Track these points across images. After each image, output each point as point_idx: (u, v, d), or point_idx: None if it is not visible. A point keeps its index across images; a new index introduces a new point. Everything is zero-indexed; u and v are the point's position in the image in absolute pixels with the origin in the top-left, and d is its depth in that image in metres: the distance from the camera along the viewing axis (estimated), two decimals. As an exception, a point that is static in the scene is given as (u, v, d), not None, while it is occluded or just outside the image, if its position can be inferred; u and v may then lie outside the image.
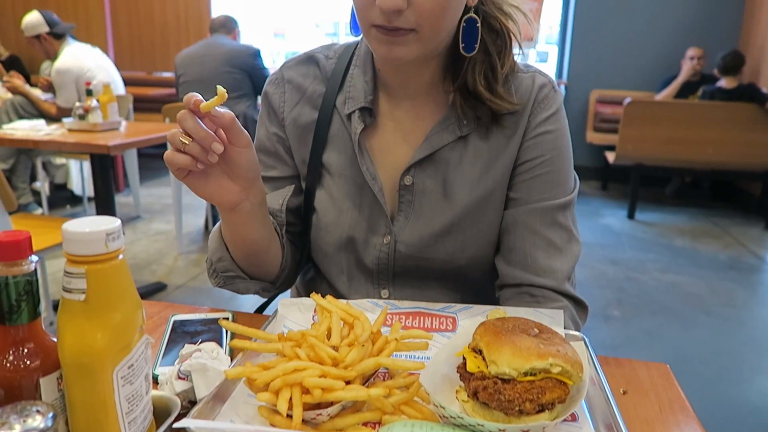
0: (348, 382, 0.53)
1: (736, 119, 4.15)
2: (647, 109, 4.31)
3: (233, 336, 0.73)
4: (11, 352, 0.44)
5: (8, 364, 0.44)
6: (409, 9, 0.69)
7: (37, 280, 0.45)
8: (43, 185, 3.86)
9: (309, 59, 0.89)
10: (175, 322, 0.77)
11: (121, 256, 0.45)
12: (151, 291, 2.81)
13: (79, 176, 4.17)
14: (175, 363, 0.62)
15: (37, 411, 0.39)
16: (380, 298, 0.87)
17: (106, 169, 2.55)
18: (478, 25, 0.77)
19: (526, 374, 0.52)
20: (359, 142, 0.83)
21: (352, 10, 0.76)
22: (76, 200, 4.28)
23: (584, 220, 4.18)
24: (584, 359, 0.57)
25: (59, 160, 4.11)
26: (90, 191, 4.07)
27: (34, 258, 0.43)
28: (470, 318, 0.72)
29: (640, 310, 2.80)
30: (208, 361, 0.59)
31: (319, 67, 0.88)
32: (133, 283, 0.47)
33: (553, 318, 0.68)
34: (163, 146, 2.80)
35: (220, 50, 3.46)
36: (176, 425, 0.48)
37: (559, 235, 0.82)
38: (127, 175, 4.19)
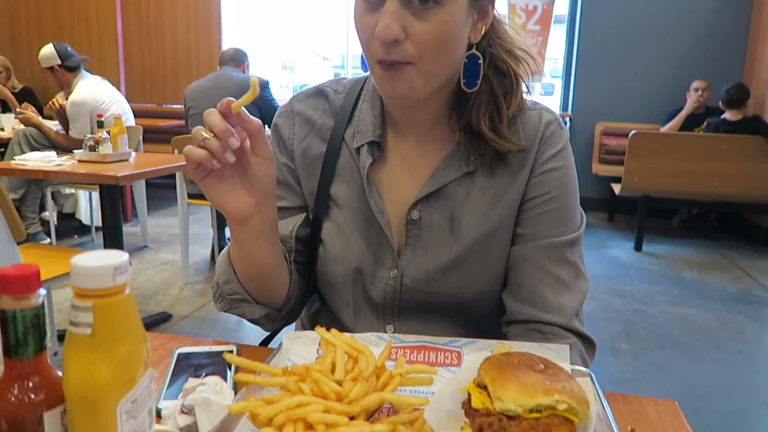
0: (352, 418, 0.53)
1: (741, 151, 4.16)
2: (652, 141, 4.32)
3: (237, 369, 0.72)
4: (16, 385, 0.44)
5: (13, 398, 0.44)
6: (407, 40, 0.70)
7: (44, 314, 0.45)
8: (51, 215, 3.89)
9: (318, 93, 0.91)
10: (179, 354, 0.77)
11: (128, 290, 0.45)
12: (156, 321, 2.80)
13: (87, 206, 4.21)
14: (179, 397, 0.62)
15: (41, 446, 0.39)
16: (385, 332, 0.87)
17: (114, 199, 2.57)
18: (480, 62, 0.78)
19: (531, 411, 0.51)
20: (368, 175, 0.83)
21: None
22: (84, 230, 4.31)
23: (591, 252, 4.16)
24: (591, 395, 0.56)
25: (68, 190, 4.16)
26: (98, 221, 4.10)
27: (43, 291, 0.44)
28: (475, 352, 0.71)
29: (648, 344, 2.76)
30: (212, 395, 0.59)
31: (328, 100, 0.89)
32: (139, 316, 0.47)
33: (559, 353, 0.68)
34: (172, 177, 2.81)
35: (229, 82, 3.52)
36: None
37: (566, 271, 0.82)
38: (135, 205, 4.22)
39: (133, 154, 2.80)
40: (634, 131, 4.31)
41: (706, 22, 5.10)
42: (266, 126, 3.59)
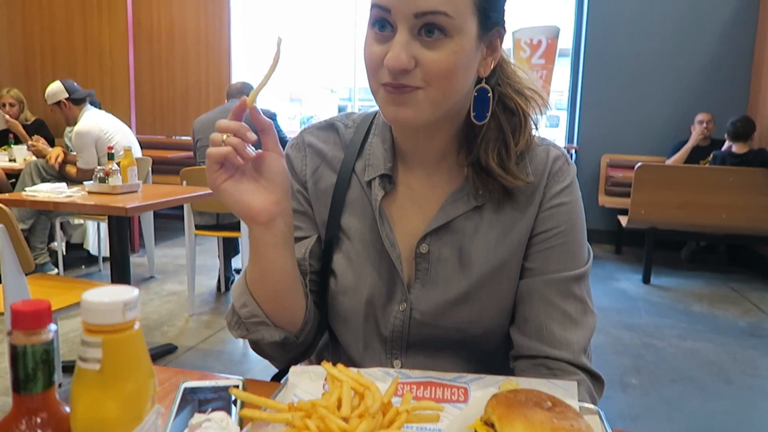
0: (358, 456, 0.52)
1: (748, 184, 4.15)
2: (658, 174, 4.33)
3: (243, 404, 0.72)
4: (24, 421, 0.44)
5: (20, 434, 0.44)
6: (416, 69, 0.72)
7: (54, 349, 0.45)
8: (60, 245, 3.91)
9: (329, 126, 0.92)
10: (185, 389, 0.77)
11: (137, 325, 0.45)
12: (161, 353, 2.79)
13: (95, 236, 4.23)
14: (184, 432, 0.62)
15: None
16: (392, 367, 0.86)
17: (122, 230, 2.59)
18: (490, 95, 0.80)
19: (539, 450, 0.51)
20: (380, 208, 0.84)
21: None
22: (91, 260, 4.33)
23: (599, 285, 4.13)
24: (599, 434, 0.56)
25: (77, 221, 4.19)
26: (105, 251, 4.12)
27: (53, 327, 0.44)
28: (482, 389, 0.71)
29: (658, 378, 2.72)
30: (218, 431, 0.58)
31: (338, 134, 0.91)
32: (147, 351, 0.48)
33: (567, 390, 0.67)
34: (180, 208, 2.83)
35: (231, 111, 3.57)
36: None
37: (574, 307, 0.82)
38: (142, 236, 4.25)
39: (142, 185, 2.83)
40: (639, 163, 4.32)
41: (709, 55, 5.16)
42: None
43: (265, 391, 0.72)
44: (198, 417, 0.62)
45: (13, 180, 4.05)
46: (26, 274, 2.01)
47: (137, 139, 4.17)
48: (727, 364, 2.89)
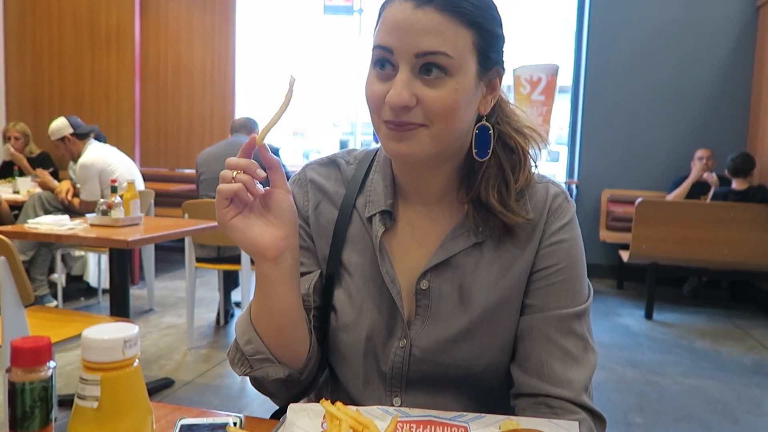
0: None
1: (749, 220, 4.16)
2: (659, 209, 4.34)
3: (240, 442, 0.71)
4: (19, 459, 0.44)
5: (15, 473, 0.44)
6: (418, 106, 0.73)
7: (52, 386, 0.45)
8: (60, 277, 3.91)
9: (331, 162, 0.93)
10: (182, 426, 0.76)
11: (136, 363, 0.46)
12: (158, 387, 2.76)
13: (96, 268, 4.23)
14: (181, 471, 0.61)
15: None
16: (392, 405, 0.85)
17: (123, 262, 2.59)
18: (491, 132, 0.81)
19: (539, 493, 0.50)
20: (380, 244, 0.85)
21: None
22: (90, 291, 4.31)
23: (601, 320, 4.10)
24: (601, 477, 0.55)
25: (78, 253, 4.19)
26: (105, 283, 4.11)
27: (52, 364, 0.44)
28: (482, 428, 0.70)
29: (662, 417, 2.67)
30: (214, 470, 0.58)
31: (340, 170, 0.92)
32: (145, 389, 0.48)
33: (568, 430, 0.67)
34: (180, 240, 2.83)
35: (240, 149, 3.61)
36: None
37: (575, 344, 0.81)
38: (143, 268, 4.24)
39: (144, 217, 2.84)
40: (640, 199, 4.33)
41: (708, 92, 5.22)
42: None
43: (264, 428, 0.72)
44: (195, 456, 0.61)
45: (17, 212, 4.07)
46: (25, 306, 2.00)
47: (141, 171, 4.21)
48: (732, 403, 2.85)
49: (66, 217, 2.70)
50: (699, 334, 3.92)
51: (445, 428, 0.70)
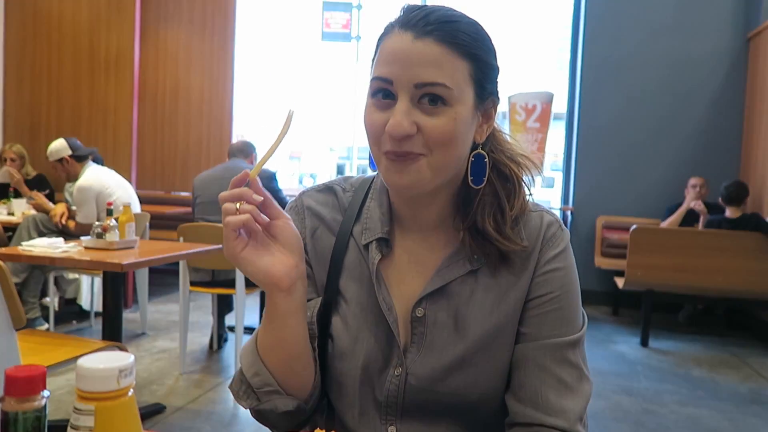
0: None
1: (743, 248, 4.18)
2: (653, 236, 4.36)
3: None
4: (9, 491, 0.43)
5: (4, 505, 0.43)
6: (418, 135, 0.74)
7: (45, 416, 0.45)
8: (52, 300, 3.87)
9: (327, 189, 0.94)
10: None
11: (131, 392, 0.45)
12: (149, 413, 2.72)
13: (89, 291, 4.19)
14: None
15: None
16: (386, 434, 0.84)
17: (117, 286, 2.58)
18: (486, 160, 0.82)
19: None
20: (376, 271, 0.85)
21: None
22: (83, 315, 4.27)
23: (596, 347, 4.08)
24: None
25: (72, 275, 4.16)
26: (98, 306, 4.07)
27: (46, 393, 0.44)
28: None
29: (660, 447, 2.65)
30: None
31: (336, 197, 0.92)
32: (139, 418, 0.47)
33: (564, 462, 0.66)
34: (175, 264, 2.82)
35: (237, 173, 3.60)
36: None
37: (569, 373, 0.81)
38: (136, 291, 4.21)
39: (139, 241, 2.83)
40: (634, 226, 4.35)
41: (701, 121, 5.29)
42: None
43: (257, 459, 0.71)
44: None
45: (10, 233, 4.05)
46: (17, 330, 1.98)
47: (137, 194, 4.21)
48: (730, 433, 2.82)
49: (60, 239, 2.69)
50: (695, 362, 3.91)
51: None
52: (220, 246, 2.96)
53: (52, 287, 3.85)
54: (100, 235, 2.65)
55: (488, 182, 0.83)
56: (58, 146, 3.87)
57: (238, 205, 0.72)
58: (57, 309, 3.99)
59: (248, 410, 0.84)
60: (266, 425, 0.87)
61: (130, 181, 4.80)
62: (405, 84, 0.74)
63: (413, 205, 0.86)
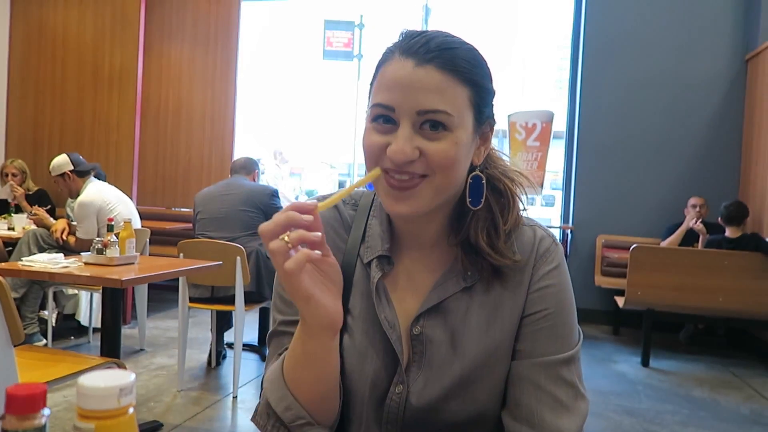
0: None
1: (743, 268, 4.17)
2: (654, 256, 4.35)
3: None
4: None
5: None
6: (420, 159, 0.75)
7: (45, 435, 0.45)
8: (50, 316, 3.86)
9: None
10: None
11: (131, 410, 0.45)
12: (147, 430, 2.69)
13: (88, 307, 4.18)
14: None
15: None
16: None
17: (116, 302, 2.57)
18: (483, 182, 0.83)
19: None
20: (377, 289, 0.85)
21: None
22: (81, 330, 4.25)
23: (596, 367, 4.05)
24: None
25: (71, 290, 4.16)
26: (96, 322, 4.06)
27: (47, 411, 0.44)
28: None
29: (661, 469, 2.62)
30: None
31: (339, 213, 0.93)
32: (138, 437, 0.47)
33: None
34: (174, 280, 2.82)
35: (239, 190, 3.63)
36: None
37: (564, 391, 0.81)
38: (135, 307, 4.20)
39: (139, 256, 2.83)
40: (635, 245, 4.35)
41: (700, 141, 5.31)
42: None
43: (255, 479, 0.70)
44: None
45: (10, 248, 4.05)
46: (15, 346, 1.97)
47: (138, 209, 4.22)
48: (732, 455, 2.79)
49: (60, 255, 2.69)
50: (697, 382, 3.88)
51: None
52: (220, 262, 2.96)
53: (50, 303, 3.84)
54: (100, 251, 2.66)
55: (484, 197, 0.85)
56: (61, 161, 3.89)
57: (285, 237, 0.68)
58: (55, 324, 3.98)
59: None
60: None
61: (131, 197, 4.81)
62: (407, 111, 0.75)
63: (412, 224, 0.87)
